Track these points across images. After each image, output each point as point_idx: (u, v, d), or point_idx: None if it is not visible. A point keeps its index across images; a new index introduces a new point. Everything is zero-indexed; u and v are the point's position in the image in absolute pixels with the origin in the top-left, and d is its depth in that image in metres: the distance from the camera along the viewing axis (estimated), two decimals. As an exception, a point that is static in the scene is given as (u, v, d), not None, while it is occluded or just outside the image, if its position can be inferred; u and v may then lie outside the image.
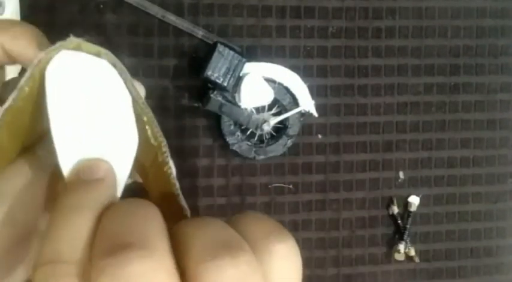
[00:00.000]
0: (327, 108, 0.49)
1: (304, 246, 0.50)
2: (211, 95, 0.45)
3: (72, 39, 0.21)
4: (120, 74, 0.21)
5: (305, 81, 0.48)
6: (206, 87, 0.45)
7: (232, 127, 0.47)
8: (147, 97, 0.49)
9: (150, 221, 0.18)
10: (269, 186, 0.49)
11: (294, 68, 0.47)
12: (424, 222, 0.52)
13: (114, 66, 0.21)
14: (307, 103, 0.48)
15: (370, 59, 0.50)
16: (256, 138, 0.48)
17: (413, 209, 0.51)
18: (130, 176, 0.22)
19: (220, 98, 0.45)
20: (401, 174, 0.51)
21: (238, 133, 0.47)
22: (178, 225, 0.19)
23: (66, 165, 0.20)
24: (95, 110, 0.21)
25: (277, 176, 0.49)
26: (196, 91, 0.47)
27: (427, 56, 0.51)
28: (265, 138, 0.48)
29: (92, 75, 0.21)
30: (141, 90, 0.24)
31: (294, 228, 0.49)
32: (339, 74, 0.49)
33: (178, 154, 0.47)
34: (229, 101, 0.46)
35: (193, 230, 0.19)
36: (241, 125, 0.47)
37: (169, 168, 0.22)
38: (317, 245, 0.50)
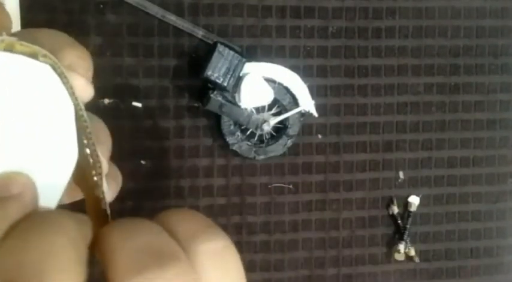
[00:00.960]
0: (327, 108, 0.49)
1: (304, 246, 0.50)
2: (211, 95, 0.45)
3: (4, 38, 0.18)
4: (61, 79, 0.19)
5: (305, 81, 0.48)
6: (206, 87, 0.45)
7: (232, 127, 0.47)
8: (148, 97, 0.49)
9: (54, 254, 0.15)
10: (269, 186, 0.49)
11: (294, 68, 0.47)
12: (424, 222, 0.52)
13: (54, 69, 0.19)
14: (307, 103, 0.48)
15: (370, 59, 0.50)
16: (256, 138, 0.48)
17: (413, 209, 0.51)
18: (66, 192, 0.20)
19: (220, 98, 0.45)
20: (401, 174, 0.51)
21: (238, 133, 0.47)
22: (101, 235, 0.17)
23: None
24: (26, 118, 0.18)
25: (277, 176, 0.49)
26: (196, 91, 0.47)
27: (427, 56, 0.51)
28: (265, 138, 0.48)
29: (24, 79, 0.18)
30: (89, 92, 0.21)
31: (294, 228, 0.50)
32: (339, 74, 0.49)
33: (178, 154, 0.47)
34: (229, 101, 0.46)
35: (118, 239, 0.17)
36: (241, 125, 0.47)
37: (102, 192, 0.20)
38: (317, 245, 0.50)
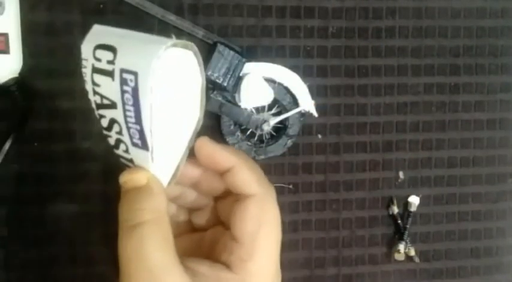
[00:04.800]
0: (327, 108, 0.49)
1: (304, 246, 0.50)
2: (211, 95, 0.45)
3: (177, 42, 0.25)
4: (198, 62, 0.26)
5: (305, 81, 0.48)
6: (206, 87, 0.45)
7: (232, 127, 0.47)
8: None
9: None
10: (269, 186, 0.49)
11: (294, 68, 0.47)
12: (424, 222, 0.52)
13: (195, 55, 0.26)
14: (307, 103, 0.48)
15: (370, 59, 0.50)
16: (256, 138, 0.48)
17: (413, 209, 0.51)
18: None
19: (220, 98, 0.45)
20: (401, 174, 0.51)
21: (238, 133, 0.47)
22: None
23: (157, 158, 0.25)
24: (180, 96, 0.26)
25: (277, 176, 0.49)
26: (196, 91, 0.47)
27: (427, 56, 0.51)
28: (265, 138, 0.48)
29: (185, 68, 0.26)
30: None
31: (294, 228, 0.49)
32: (339, 74, 0.49)
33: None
34: (229, 101, 0.46)
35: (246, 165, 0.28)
36: (241, 125, 0.47)
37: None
38: (317, 245, 0.50)
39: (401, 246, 0.51)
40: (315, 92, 0.48)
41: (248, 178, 0.28)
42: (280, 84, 0.47)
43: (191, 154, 0.29)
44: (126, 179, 0.26)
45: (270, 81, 0.47)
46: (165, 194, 0.27)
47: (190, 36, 0.46)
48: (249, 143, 0.47)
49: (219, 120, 0.47)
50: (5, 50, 0.40)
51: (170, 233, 0.26)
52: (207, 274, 0.26)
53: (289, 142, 0.48)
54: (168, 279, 0.24)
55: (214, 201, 0.32)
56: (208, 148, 0.28)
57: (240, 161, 0.28)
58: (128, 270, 0.25)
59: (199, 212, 0.32)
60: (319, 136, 0.49)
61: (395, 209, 0.51)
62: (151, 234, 0.25)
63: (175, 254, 0.25)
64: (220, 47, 0.44)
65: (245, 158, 0.29)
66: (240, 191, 0.28)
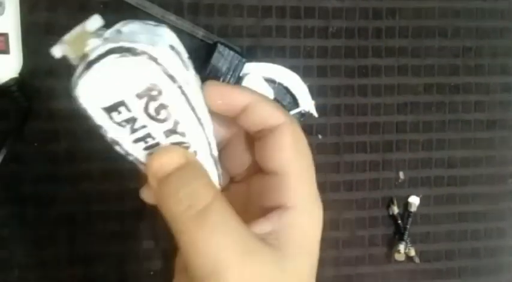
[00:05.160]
0: (327, 108, 0.49)
1: (304, 247, 0.50)
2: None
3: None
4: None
5: (305, 81, 0.48)
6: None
7: (232, 127, 0.47)
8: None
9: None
10: (269, 187, 0.49)
11: (294, 68, 0.47)
12: (424, 222, 0.52)
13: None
14: (307, 103, 0.48)
15: (370, 59, 0.50)
16: (256, 138, 0.48)
17: (413, 209, 0.51)
18: None
19: (220, 98, 0.45)
20: (401, 175, 0.51)
21: (238, 133, 0.47)
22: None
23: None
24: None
25: (277, 176, 0.49)
26: (196, 91, 0.47)
27: (427, 56, 0.51)
28: (265, 138, 0.48)
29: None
30: None
31: (294, 228, 0.49)
32: (339, 74, 0.49)
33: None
34: (229, 101, 0.46)
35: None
36: (241, 125, 0.47)
37: None
38: (317, 245, 0.50)
39: (401, 247, 0.51)
40: (315, 92, 0.48)
41: (270, 109, 0.25)
42: (280, 84, 0.47)
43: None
44: (162, 161, 0.22)
45: (270, 81, 0.47)
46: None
47: (190, 36, 0.46)
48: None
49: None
50: (5, 50, 0.40)
51: (230, 204, 0.23)
52: (271, 229, 0.24)
53: (289, 142, 0.48)
54: (258, 257, 0.22)
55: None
56: (219, 88, 0.25)
57: (255, 95, 0.26)
58: (210, 264, 0.21)
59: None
60: (320, 136, 0.49)
61: (395, 209, 0.51)
62: (224, 213, 0.22)
63: (244, 225, 0.23)
64: (220, 47, 0.44)
65: (259, 93, 0.26)
66: (264, 125, 0.25)
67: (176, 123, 0.22)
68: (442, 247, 0.53)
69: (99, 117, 0.22)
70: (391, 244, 0.52)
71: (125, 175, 0.45)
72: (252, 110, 0.25)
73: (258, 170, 0.27)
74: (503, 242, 0.54)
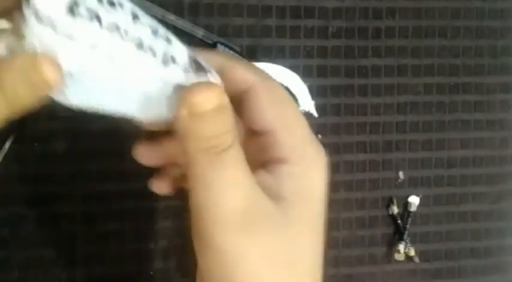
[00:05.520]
0: (327, 108, 0.49)
1: (304, 247, 0.50)
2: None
3: None
4: None
5: (305, 81, 0.48)
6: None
7: (232, 127, 0.47)
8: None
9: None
10: (269, 186, 0.49)
11: (294, 68, 0.47)
12: (424, 222, 0.52)
13: None
14: (307, 103, 0.48)
15: (370, 59, 0.50)
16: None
17: (413, 209, 0.51)
18: None
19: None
20: (401, 174, 0.51)
21: (238, 133, 0.47)
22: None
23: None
24: None
25: (277, 176, 0.49)
26: (196, 91, 0.47)
27: (427, 56, 0.51)
28: (265, 138, 0.48)
29: None
30: None
31: (294, 228, 0.49)
32: (339, 74, 0.49)
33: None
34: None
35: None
36: (241, 125, 0.47)
37: None
38: (317, 245, 0.50)
39: (401, 246, 0.51)
40: (315, 92, 0.48)
41: (240, 72, 0.26)
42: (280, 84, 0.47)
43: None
44: (201, 97, 0.22)
45: (270, 81, 0.47)
46: None
47: (190, 36, 0.46)
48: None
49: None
50: (5, 50, 0.40)
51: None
52: (271, 180, 0.25)
53: (289, 142, 0.48)
54: (260, 203, 0.23)
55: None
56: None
57: (225, 60, 0.26)
58: (225, 204, 0.22)
59: None
60: (319, 136, 0.49)
61: (395, 209, 0.51)
62: (240, 155, 0.23)
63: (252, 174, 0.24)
64: (220, 47, 0.44)
65: (231, 56, 0.27)
66: (239, 88, 0.25)
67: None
68: (442, 247, 0.53)
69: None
70: (391, 244, 0.52)
71: (124, 175, 0.45)
72: (224, 76, 0.25)
73: (251, 131, 0.27)
74: (503, 242, 0.54)
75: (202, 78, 0.23)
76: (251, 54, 0.47)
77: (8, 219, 0.43)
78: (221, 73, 0.25)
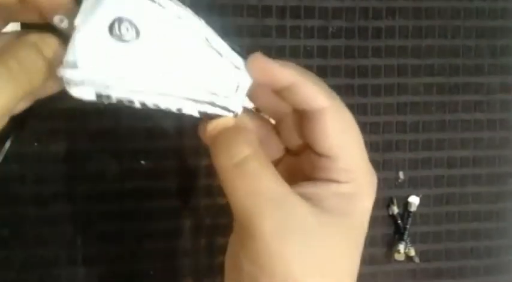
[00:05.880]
0: (327, 108, 0.49)
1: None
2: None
3: None
4: None
5: (305, 81, 0.48)
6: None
7: (232, 127, 0.47)
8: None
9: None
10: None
11: (294, 68, 0.47)
12: (424, 222, 0.52)
13: None
14: (307, 103, 0.48)
15: (370, 59, 0.50)
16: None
17: (413, 209, 0.51)
18: None
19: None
20: (401, 174, 0.51)
21: (238, 133, 0.47)
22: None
23: None
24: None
25: (277, 176, 0.49)
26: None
27: (427, 56, 0.51)
28: (265, 138, 0.48)
29: None
30: None
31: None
32: (339, 74, 0.49)
33: (178, 154, 0.47)
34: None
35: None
36: (241, 125, 0.47)
37: None
38: (317, 245, 0.50)
39: (401, 247, 0.51)
40: (315, 92, 0.48)
41: (312, 91, 0.26)
42: (280, 84, 0.47)
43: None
44: (214, 125, 0.26)
45: (270, 81, 0.47)
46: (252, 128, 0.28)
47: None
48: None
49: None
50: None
51: (270, 162, 0.26)
52: (316, 192, 0.26)
53: (289, 142, 0.48)
54: (291, 206, 0.24)
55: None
56: (262, 63, 0.27)
57: (299, 75, 0.26)
58: (246, 208, 0.24)
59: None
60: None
61: (395, 209, 0.51)
62: (259, 165, 0.25)
63: (283, 180, 0.25)
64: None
65: (304, 71, 0.27)
66: (307, 107, 0.26)
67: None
68: (442, 247, 0.53)
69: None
70: (391, 244, 0.52)
71: (124, 175, 0.45)
72: (295, 90, 0.26)
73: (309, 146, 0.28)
74: (503, 242, 0.54)
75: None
76: (251, 54, 0.47)
77: (8, 219, 0.43)
78: (292, 88, 0.26)
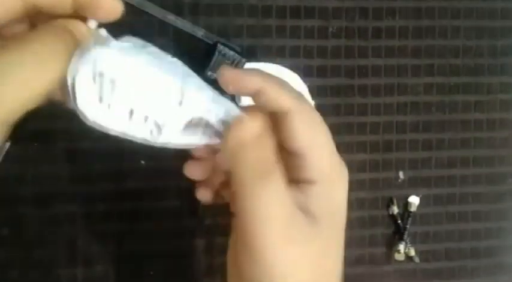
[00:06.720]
0: (327, 108, 0.49)
1: (304, 247, 0.50)
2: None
3: None
4: None
5: (305, 81, 0.48)
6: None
7: (232, 127, 0.47)
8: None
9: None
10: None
11: (294, 68, 0.47)
12: (424, 222, 0.52)
13: None
14: (307, 103, 0.48)
15: (370, 59, 0.50)
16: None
17: (413, 209, 0.51)
18: None
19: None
20: (401, 174, 0.51)
21: (238, 133, 0.47)
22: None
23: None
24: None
25: (277, 176, 0.49)
26: (196, 91, 0.47)
27: (427, 56, 0.51)
28: (265, 138, 0.48)
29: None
30: None
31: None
32: (339, 74, 0.49)
33: (178, 154, 0.47)
34: (229, 101, 0.46)
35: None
36: (241, 125, 0.47)
37: None
38: (317, 245, 0.50)
39: (401, 247, 0.51)
40: (315, 92, 0.48)
41: (276, 95, 0.28)
42: (280, 84, 0.47)
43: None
44: (240, 131, 0.27)
45: (270, 81, 0.47)
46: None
47: (190, 36, 0.46)
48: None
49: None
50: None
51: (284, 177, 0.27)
52: (303, 201, 0.27)
53: (289, 142, 0.48)
54: (294, 219, 0.26)
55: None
56: (229, 74, 0.28)
57: (264, 81, 0.28)
58: (256, 216, 0.25)
59: None
60: (319, 136, 0.49)
61: (395, 209, 0.51)
62: (282, 176, 0.26)
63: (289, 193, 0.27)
64: (220, 47, 0.44)
65: (269, 76, 0.28)
66: (274, 109, 0.28)
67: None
68: (442, 247, 0.53)
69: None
70: (391, 244, 0.52)
71: (124, 175, 0.45)
72: (261, 96, 0.27)
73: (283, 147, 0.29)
74: (503, 242, 0.54)
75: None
76: (251, 54, 0.47)
77: (8, 219, 0.43)
78: (259, 93, 0.27)
